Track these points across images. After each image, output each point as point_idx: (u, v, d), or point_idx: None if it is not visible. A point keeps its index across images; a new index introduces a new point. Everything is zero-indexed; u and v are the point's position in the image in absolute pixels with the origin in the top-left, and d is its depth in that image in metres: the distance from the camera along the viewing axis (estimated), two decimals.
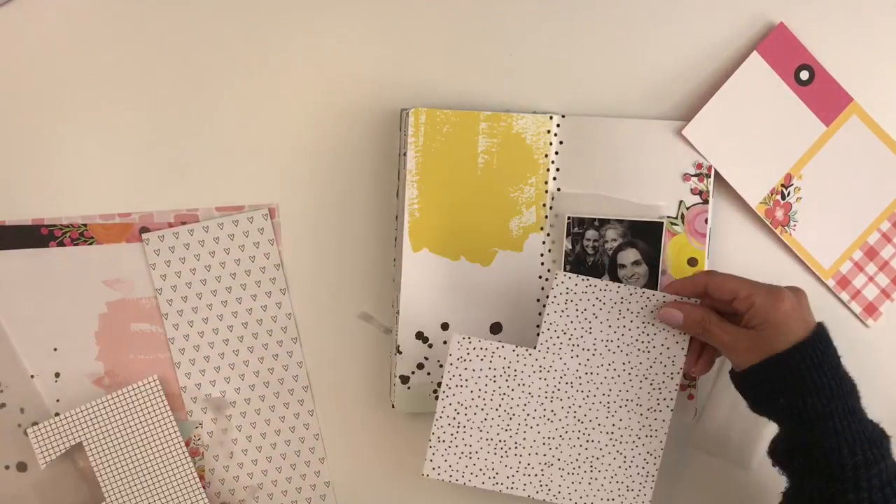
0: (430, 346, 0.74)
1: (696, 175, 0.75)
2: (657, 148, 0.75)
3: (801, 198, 0.77)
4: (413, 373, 0.74)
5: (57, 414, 0.74)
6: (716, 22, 0.77)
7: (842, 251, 0.78)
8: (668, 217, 0.75)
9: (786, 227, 0.77)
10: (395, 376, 0.74)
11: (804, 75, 0.76)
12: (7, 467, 0.75)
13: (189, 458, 0.75)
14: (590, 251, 0.71)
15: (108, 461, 0.74)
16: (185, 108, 0.75)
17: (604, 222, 0.70)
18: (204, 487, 0.76)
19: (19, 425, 0.75)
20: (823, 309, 0.78)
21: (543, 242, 0.75)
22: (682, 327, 0.68)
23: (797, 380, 0.62)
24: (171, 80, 0.75)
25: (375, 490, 0.79)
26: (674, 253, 0.75)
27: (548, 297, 0.69)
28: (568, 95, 0.76)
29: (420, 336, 0.74)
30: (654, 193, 0.75)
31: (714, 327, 0.66)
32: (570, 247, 0.72)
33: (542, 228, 0.75)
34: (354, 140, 0.76)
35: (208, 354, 0.75)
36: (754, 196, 0.76)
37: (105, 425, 0.74)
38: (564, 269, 0.71)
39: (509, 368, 0.68)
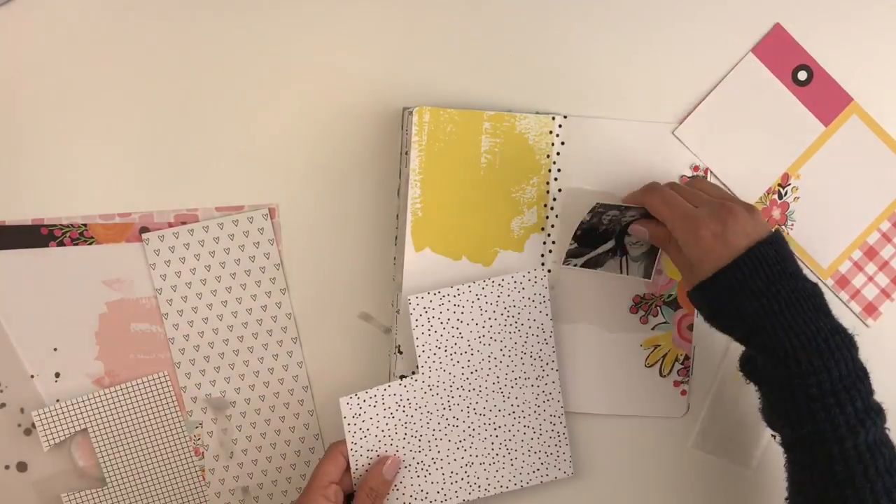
0: None
1: (692, 177, 0.75)
2: (658, 149, 0.75)
3: (798, 197, 0.77)
4: (413, 373, 0.74)
5: (58, 400, 0.74)
6: (720, 24, 0.77)
7: (841, 251, 0.78)
8: None
9: (783, 227, 0.77)
10: (395, 376, 0.74)
11: (802, 76, 0.76)
12: (7, 467, 0.75)
13: (192, 453, 0.75)
14: (605, 223, 0.72)
15: (110, 448, 0.75)
16: (186, 108, 0.75)
17: (625, 209, 0.71)
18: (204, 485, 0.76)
19: (19, 425, 0.74)
20: None
21: (544, 243, 0.75)
22: (650, 239, 0.71)
23: (722, 304, 0.63)
24: (171, 79, 0.74)
25: None
26: None
27: (411, 322, 0.71)
28: (570, 96, 0.76)
29: None
30: None
31: (671, 249, 0.69)
32: (588, 218, 0.72)
33: (542, 229, 0.75)
34: (355, 139, 0.76)
35: (208, 354, 0.75)
36: (750, 196, 0.76)
37: (110, 415, 0.74)
38: (573, 239, 0.73)
39: (402, 400, 0.71)
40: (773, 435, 0.64)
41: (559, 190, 0.75)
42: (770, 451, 0.78)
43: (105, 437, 0.75)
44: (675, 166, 0.75)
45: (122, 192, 0.75)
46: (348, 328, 0.77)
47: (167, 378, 0.75)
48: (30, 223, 0.74)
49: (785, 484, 0.64)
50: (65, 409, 0.74)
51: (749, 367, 0.65)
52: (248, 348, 0.76)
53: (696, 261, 0.64)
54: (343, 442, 0.70)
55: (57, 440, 0.74)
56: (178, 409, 0.76)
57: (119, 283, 0.75)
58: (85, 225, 0.74)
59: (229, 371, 0.76)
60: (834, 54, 0.77)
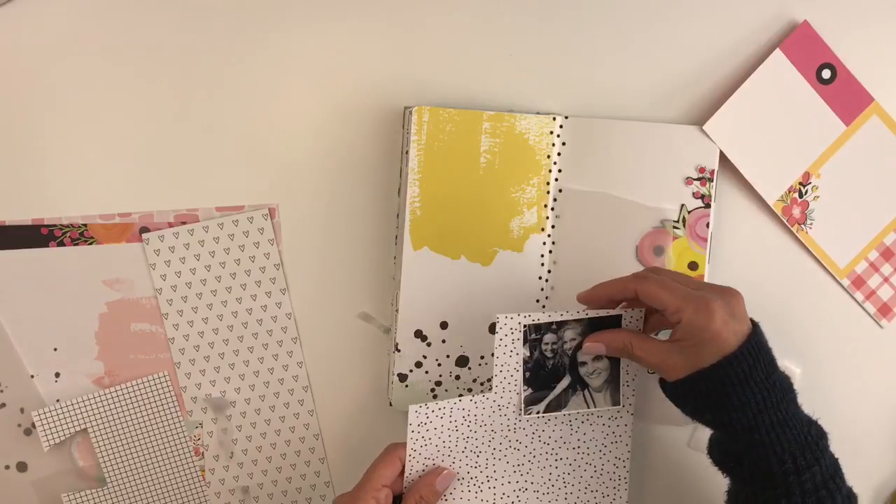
0: (429, 344, 0.74)
1: (698, 179, 0.75)
2: (660, 150, 0.75)
3: (818, 196, 0.77)
4: (411, 371, 0.74)
5: (58, 400, 0.74)
6: (733, 21, 0.76)
7: (858, 251, 0.78)
8: (671, 220, 0.74)
9: (802, 225, 0.77)
10: (394, 374, 0.74)
11: (826, 74, 0.76)
12: (7, 467, 0.75)
13: (192, 453, 0.75)
14: (549, 354, 0.68)
15: (110, 448, 0.75)
16: (186, 108, 0.75)
17: (561, 324, 0.67)
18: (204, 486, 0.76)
19: (19, 425, 0.75)
20: (837, 308, 0.79)
21: (544, 243, 0.75)
22: (607, 354, 0.67)
23: (721, 396, 0.60)
24: (171, 79, 0.74)
25: None
26: (675, 256, 0.75)
27: (496, 339, 0.67)
28: (572, 96, 0.76)
29: (419, 335, 0.74)
30: (657, 196, 0.74)
31: (638, 350, 0.64)
32: (528, 353, 0.67)
33: (542, 229, 0.75)
34: (355, 139, 0.76)
35: (208, 354, 0.75)
36: (772, 193, 0.76)
37: (110, 415, 0.75)
38: (525, 384, 0.68)
39: (469, 415, 0.68)
40: None
41: (559, 190, 0.75)
42: None
43: (105, 437, 0.75)
44: (677, 167, 0.75)
45: (122, 192, 0.75)
46: (348, 328, 0.77)
47: (167, 378, 0.75)
48: (30, 223, 0.74)
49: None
50: (65, 409, 0.74)
51: (724, 457, 0.63)
52: (248, 348, 0.76)
53: (697, 346, 0.60)
54: (401, 445, 0.67)
55: (57, 440, 0.74)
56: (178, 409, 0.76)
57: (119, 283, 0.75)
58: (85, 225, 0.74)
59: (229, 371, 0.76)
60: (858, 54, 0.76)
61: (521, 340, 0.67)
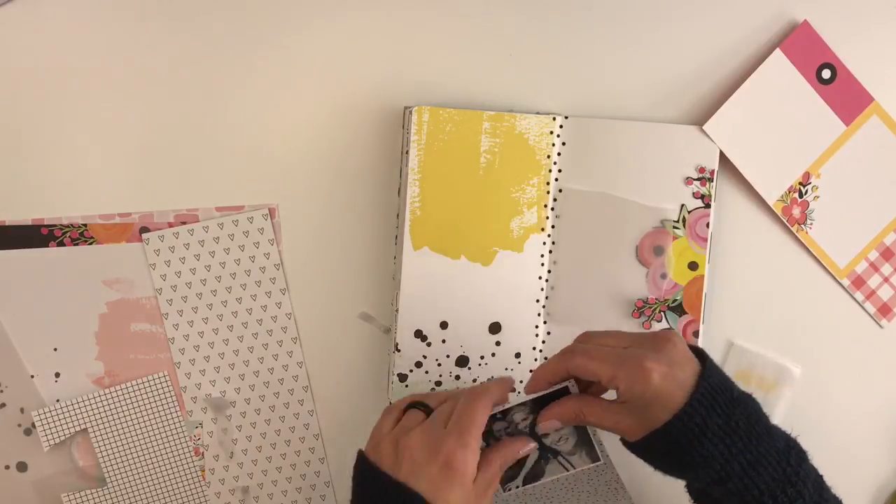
0: (429, 344, 0.74)
1: (698, 179, 0.75)
2: (660, 150, 0.75)
3: (818, 196, 0.77)
4: (411, 371, 0.74)
5: (58, 400, 0.74)
6: (733, 22, 0.76)
7: (858, 251, 0.78)
8: (671, 220, 0.74)
9: (802, 225, 0.77)
10: (394, 374, 0.74)
11: (826, 74, 0.76)
12: (7, 467, 0.75)
13: (192, 453, 0.75)
14: (511, 435, 0.63)
15: (110, 448, 0.75)
16: (185, 108, 0.75)
17: (506, 412, 0.62)
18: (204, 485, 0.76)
19: (19, 425, 0.75)
20: (837, 308, 0.79)
21: (544, 243, 0.75)
22: (565, 425, 0.61)
23: (681, 454, 0.55)
24: (171, 79, 0.74)
25: None
26: (675, 256, 0.75)
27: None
28: (572, 96, 0.76)
29: (419, 334, 0.74)
30: (657, 196, 0.74)
31: (590, 416, 0.59)
32: (486, 444, 0.62)
33: (542, 229, 0.74)
34: (355, 139, 0.76)
35: (208, 354, 0.75)
36: (772, 193, 0.76)
37: (110, 415, 0.75)
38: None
39: None
40: None
41: (559, 190, 0.75)
42: None
43: (105, 437, 0.75)
44: (677, 167, 0.75)
45: (122, 192, 0.75)
46: (348, 328, 0.77)
47: (167, 378, 0.75)
48: (30, 223, 0.74)
49: None
50: (65, 409, 0.74)
51: (701, 499, 0.59)
52: (248, 348, 0.76)
53: (644, 407, 0.56)
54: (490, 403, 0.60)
55: (57, 440, 0.74)
56: (178, 409, 0.76)
57: (119, 283, 0.75)
58: (85, 225, 0.74)
59: (229, 371, 0.76)
60: (858, 54, 0.76)
61: None
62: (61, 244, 0.74)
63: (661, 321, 0.75)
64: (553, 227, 0.75)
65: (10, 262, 0.74)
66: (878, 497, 0.81)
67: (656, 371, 0.55)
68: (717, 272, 0.77)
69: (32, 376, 0.75)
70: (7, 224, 0.74)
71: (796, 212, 0.77)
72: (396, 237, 0.76)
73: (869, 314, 0.79)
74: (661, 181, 0.74)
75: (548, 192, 0.74)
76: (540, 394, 0.61)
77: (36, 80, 0.74)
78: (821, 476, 0.58)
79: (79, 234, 0.74)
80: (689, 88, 0.76)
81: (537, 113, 0.74)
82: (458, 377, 0.75)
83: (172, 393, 0.75)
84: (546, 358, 0.75)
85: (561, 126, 0.74)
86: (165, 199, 0.75)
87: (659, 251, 0.75)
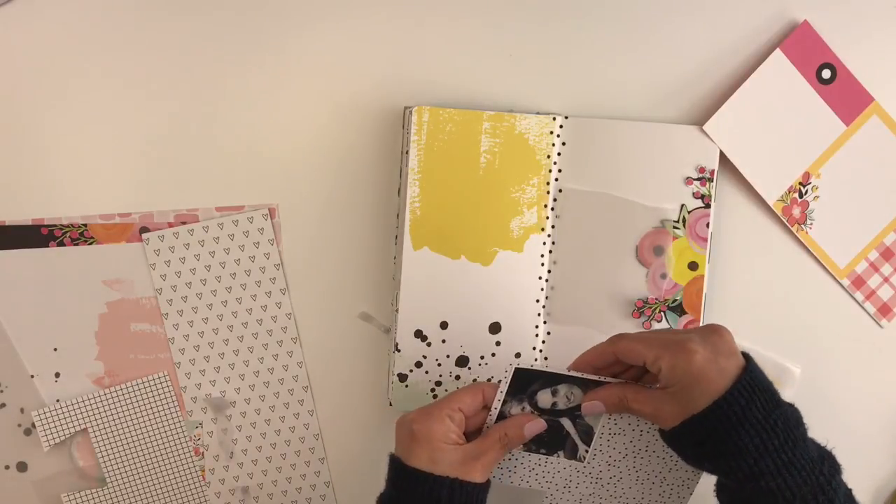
0: (429, 344, 0.74)
1: (698, 179, 0.75)
2: (660, 150, 0.75)
3: (818, 196, 0.77)
4: (411, 371, 0.74)
5: (58, 400, 0.74)
6: (733, 22, 0.76)
7: (858, 251, 0.78)
8: (671, 220, 0.74)
9: (802, 225, 0.77)
10: (393, 374, 0.74)
11: (826, 74, 0.76)
12: (7, 467, 0.75)
13: (192, 453, 0.75)
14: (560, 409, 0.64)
15: (110, 448, 0.75)
16: (186, 108, 0.75)
17: (532, 392, 0.64)
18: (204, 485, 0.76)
19: (19, 425, 0.75)
20: (837, 308, 0.79)
21: (544, 243, 0.75)
22: (607, 412, 0.63)
23: (717, 442, 0.56)
24: (171, 79, 0.74)
25: (375, 490, 0.78)
26: (675, 256, 0.75)
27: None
28: (572, 96, 0.76)
29: (419, 334, 0.74)
30: (657, 195, 0.74)
31: (633, 403, 0.61)
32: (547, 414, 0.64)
33: (542, 229, 0.74)
34: (356, 139, 0.76)
35: (208, 354, 0.75)
36: (772, 193, 0.76)
37: (110, 415, 0.75)
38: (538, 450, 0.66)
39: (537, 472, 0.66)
40: None
41: (559, 190, 0.75)
42: None
43: (105, 437, 0.75)
44: (677, 167, 0.75)
45: (122, 192, 0.75)
46: (348, 328, 0.77)
47: (167, 378, 0.75)
48: (30, 223, 0.74)
49: None
50: (65, 409, 0.74)
51: (732, 503, 0.59)
52: (248, 348, 0.76)
53: (685, 390, 0.57)
54: (492, 385, 0.64)
55: (57, 440, 0.74)
56: (178, 409, 0.76)
57: (119, 283, 0.75)
58: (85, 225, 0.74)
59: (229, 371, 0.76)
60: (858, 54, 0.76)
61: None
62: (61, 244, 0.74)
63: (661, 321, 0.75)
64: (553, 227, 0.75)
65: (10, 262, 0.74)
66: (878, 497, 0.81)
67: (700, 354, 0.56)
68: (717, 272, 0.77)
69: (32, 376, 0.75)
70: (7, 224, 0.74)
71: (796, 212, 0.77)
72: (396, 237, 0.76)
73: (869, 314, 0.79)
74: (661, 181, 0.74)
75: (548, 192, 0.74)
76: (573, 373, 0.63)
77: (36, 80, 0.74)
78: (850, 490, 0.58)
79: (79, 234, 0.74)
80: (689, 88, 0.76)
81: (537, 113, 0.74)
82: (458, 377, 0.75)
83: (172, 393, 0.75)
84: (546, 358, 0.75)
85: (561, 126, 0.74)
86: (165, 199, 0.75)
87: (659, 251, 0.75)
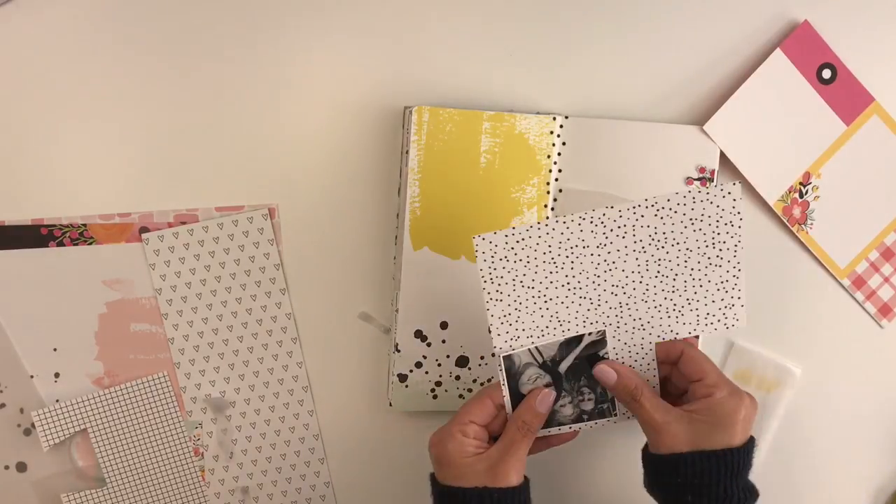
0: (429, 344, 0.74)
1: (698, 179, 0.75)
2: (660, 150, 0.75)
3: (819, 196, 0.77)
4: (411, 371, 0.74)
5: (58, 400, 0.74)
6: (733, 22, 0.76)
7: (858, 251, 0.78)
8: None
9: (803, 225, 0.77)
10: (394, 374, 0.74)
11: (826, 74, 0.76)
12: (7, 467, 0.75)
13: (191, 453, 0.75)
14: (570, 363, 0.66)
15: (110, 448, 0.75)
16: (185, 108, 0.75)
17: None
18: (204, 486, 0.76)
19: (19, 425, 0.75)
20: (837, 308, 0.79)
21: None
22: (611, 389, 0.64)
23: (714, 483, 0.60)
24: (171, 79, 0.74)
25: (375, 490, 0.79)
26: None
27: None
28: (572, 96, 0.76)
29: (419, 335, 0.74)
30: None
31: (646, 401, 0.62)
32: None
33: None
34: (355, 139, 0.76)
35: (208, 355, 0.75)
36: (772, 193, 0.76)
37: (110, 415, 0.75)
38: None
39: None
40: None
41: (559, 190, 0.75)
42: (771, 451, 0.78)
43: (105, 437, 0.75)
44: (677, 167, 0.75)
45: (122, 192, 0.75)
46: (348, 328, 0.77)
47: (167, 378, 0.75)
48: (30, 223, 0.74)
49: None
50: (65, 409, 0.74)
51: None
52: (248, 348, 0.76)
53: (713, 426, 0.60)
54: (496, 387, 0.65)
55: (57, 440, 0.74)
56: (177, 409, 0.76)
57: (119, 283, 0.75)
58: (85, 225, 0.74)
59: (229, 371, 0.76)
60: (858, 54, 0.76)
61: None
62: (61, 244, 0.74)
63: None
64: None
65: (10, 262, 0.74)
66: (878, 497, 0.81)
67: (747, 408, 0.61)
68: None
69: (32, 376, 0.75)
70: (7, 224, 0.74)
71: (796, 212, 0.77)
72: (396, 237, 0.75)
73: (869, 314, 0.79)
74: (661, 181, 0.74)
75: (548, 192, 0.74)
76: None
77: (36, 80, 0.73)
78: None
79: (78, 234, 0.74)
80: (689, 88, 0.76)
81: (537, 113, 0.74)
82: (458, 377, 0.75)
83: (172, 393, 0.75)
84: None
85: (561, 126, 0.74)
86: (165, 199, 0.75)
87: None
